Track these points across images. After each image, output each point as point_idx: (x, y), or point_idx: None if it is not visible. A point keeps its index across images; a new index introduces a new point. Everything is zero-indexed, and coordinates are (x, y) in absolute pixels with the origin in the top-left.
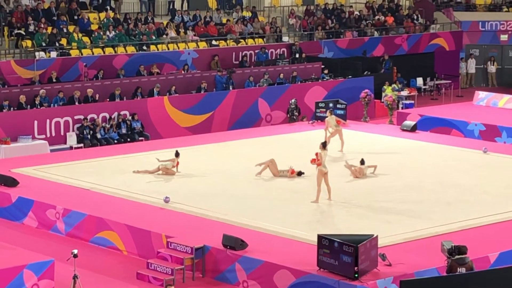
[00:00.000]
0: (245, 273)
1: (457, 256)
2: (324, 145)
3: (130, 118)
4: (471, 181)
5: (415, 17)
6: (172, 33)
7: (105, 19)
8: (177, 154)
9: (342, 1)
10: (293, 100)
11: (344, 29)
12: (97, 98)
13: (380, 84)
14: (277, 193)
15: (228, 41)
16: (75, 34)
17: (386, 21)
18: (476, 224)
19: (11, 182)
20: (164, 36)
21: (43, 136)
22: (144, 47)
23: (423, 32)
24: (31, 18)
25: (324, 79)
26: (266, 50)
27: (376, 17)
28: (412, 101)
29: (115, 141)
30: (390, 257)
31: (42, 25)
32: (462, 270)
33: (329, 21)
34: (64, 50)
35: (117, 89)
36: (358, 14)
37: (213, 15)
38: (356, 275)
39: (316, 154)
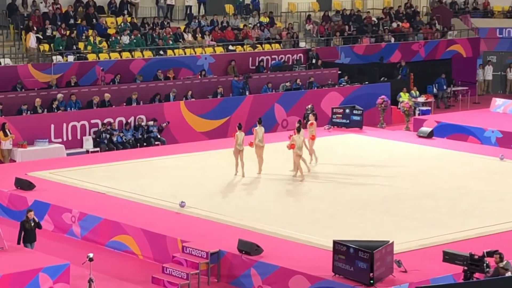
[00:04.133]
0: (260, 278)
1: (501, 263)
2: (298, 130)
3: (151, 123)
4: (488, 188)
5: (433, 23)
6: (189, 38)
7: (122, 24)
8: (239, 127)
9: (359, 7)
10: (309, 106)
11: (361, 35)
12: (111, 103)
13: (397, 90)
14: (292, 198)
15: (245, 46)
16: (91, 38)
17: (403, 27)
18: (492, 231)
19: (28, 185)
20: (181, 41)
21: (60, 140)
22: (161, 52)
23: (440, 39)
24: (48, 22)
25: (341, 85)
26: (283, 57)
27: (394, 23)
28: (429, 108)
29: (130, 141)
30: (405, 263)
31: (62, 30)
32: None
33: (346, 27)
34: (81, 54)
35: (134, 94)
36: (376, 20)
37: (230, 20)
38: (372, 282)
39: (289, 137)
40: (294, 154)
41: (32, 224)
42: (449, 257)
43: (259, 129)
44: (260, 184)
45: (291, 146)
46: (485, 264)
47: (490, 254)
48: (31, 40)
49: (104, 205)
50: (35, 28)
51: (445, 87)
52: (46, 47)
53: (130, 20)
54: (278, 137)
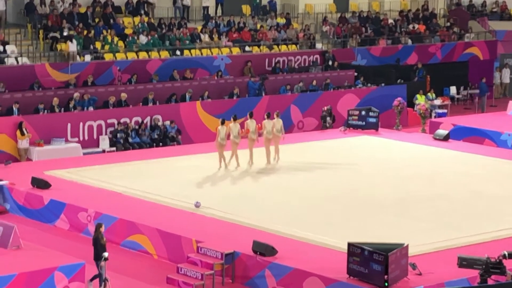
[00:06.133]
0: (274, 280)
1: None
2: (251, 115)
3: (168, 123)
4: (503, 191)
5: (449, 25)
6: (206, 39)
7: (139, 24)
8: (222, 122)
9: (376, 8)
10: (327, 107)
11: (377, 37)
12: (127, 103)
13: (414, 92)
14: (307, 200)
15: (261, 47)
16: (109, 37)
17: (419, 29)
18: (508, 235)
19: (44, 184)
20: (198, 41)
21: (76, 139)
22: (178, 52)
23: (457, 41)
24: (66, 22)
25: (358, 87)
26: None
27: (411, 26)
28: (445, 110)
29: (147, 145)
30: (420, 266)
31: (79, 29)
32: None
33: (363, 29)
34: (98, 54)
35: (150, 94)
36: (393, 22)
37: (247, 21)
38: (386, 284)
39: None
40: (248, 139)
41: (105, 239)
42: (467, 263)
43: (251, 122)
44: (276, 186)
45: (246, 131)
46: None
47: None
48: (71, 46)
49: (120, 204)
50: (74, 40)
51: (486, 92)
52: (63, 46)
53: (147, 20)
54: (294, 139)
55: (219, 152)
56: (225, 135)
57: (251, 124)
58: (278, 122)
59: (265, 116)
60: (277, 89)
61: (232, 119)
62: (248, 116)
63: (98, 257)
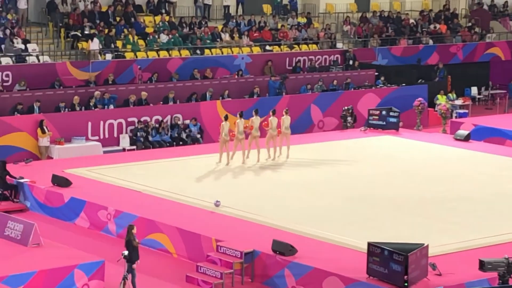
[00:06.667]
0: (294, 279)
1: None
2: (256, 112)
3: (188, 122)
4: None
5: (471, 25)
6: (227, 38)
7: (160, 23)
8: (226, 118)
9: (397, 8)
10: (348, 107)
11: (398, 37)
12: (148, 101)
13: (434, 92)
14: (327, 199)
15: (282, 47)
16: (130, 37)
17: (440, 29)
18: None
19: (64, 182)
20: (219, 40)
21: (97, 138)
22: (198, 51)
23: (479, 41)
24: (87, 21)
25: (378, 86)
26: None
27: (432, 25)
28: (466, 111)
29: (167, 144)
30: (440, 267)
31: (100, 28)
32: None
33: (384, 28)
34: (119, 53)
35: (171, 92)
36: (414, 22)
37: (268, 21)
38: (406, 284)
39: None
40: (251, 137)
41: (137, 241)
42: (492, 266)
43: (240, 122)
44: (295, 185)
45: (250, 128)
46: None
47: None
48: (92, 44)
49: (140, 203)
50: (95, 39)
51: None
52: (84, 45)
53: (168, 19)
54: (314, 138)
55: (220, 147)
56: (229, 130)
57: (255, 121)
58: (286, 120)
59: (271, 113)
60: (297, 89)
61: (238, 116)
62: (253, 113)
63: (130, 259)
